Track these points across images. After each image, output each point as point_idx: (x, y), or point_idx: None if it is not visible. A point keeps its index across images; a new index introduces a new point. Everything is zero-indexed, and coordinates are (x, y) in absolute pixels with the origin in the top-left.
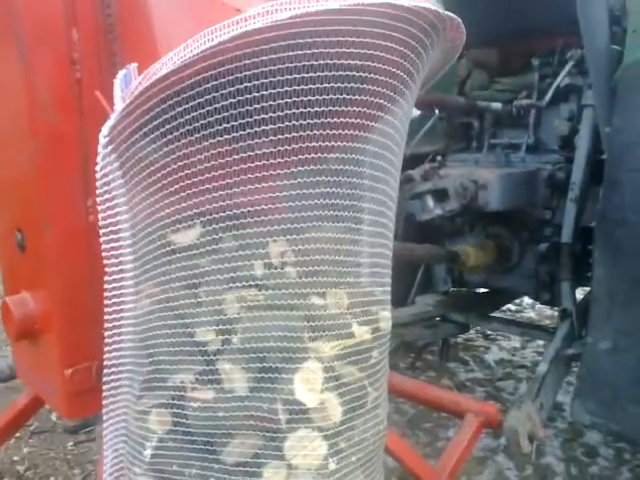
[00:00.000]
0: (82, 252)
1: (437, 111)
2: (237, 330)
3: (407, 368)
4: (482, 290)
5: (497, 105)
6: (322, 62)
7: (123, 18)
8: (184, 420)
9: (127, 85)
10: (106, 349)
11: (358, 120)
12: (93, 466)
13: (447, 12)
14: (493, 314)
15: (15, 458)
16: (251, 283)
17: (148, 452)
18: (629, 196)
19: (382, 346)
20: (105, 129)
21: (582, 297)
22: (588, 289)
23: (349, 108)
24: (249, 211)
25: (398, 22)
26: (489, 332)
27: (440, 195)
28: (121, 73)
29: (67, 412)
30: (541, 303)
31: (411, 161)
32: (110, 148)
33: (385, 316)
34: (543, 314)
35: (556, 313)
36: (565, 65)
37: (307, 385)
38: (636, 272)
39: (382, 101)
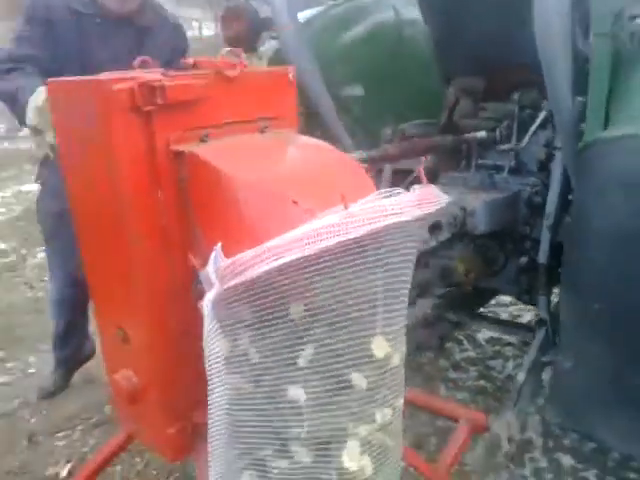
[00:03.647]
0: (186, 339)
1: (428, 157)
2: (304, 420)
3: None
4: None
5: (482, 134)
6: (372, 258)
7: (197, 189)
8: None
9: (216, 263)
10: (209, 427)
11: None
12: (151, 454)
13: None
14: (482, 312)
15: (84, 449)
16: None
17: None
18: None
19: (398, 413)
20: (208, 303)
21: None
22: None
23: None
24: None
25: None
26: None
27: (434, 227)
28: (212, 255)
29: (169, 457)
30: (522, 303)
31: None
32: (212, 314)
33: (400, 402)
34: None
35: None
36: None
37: (350, 456)
38: (593, 313)
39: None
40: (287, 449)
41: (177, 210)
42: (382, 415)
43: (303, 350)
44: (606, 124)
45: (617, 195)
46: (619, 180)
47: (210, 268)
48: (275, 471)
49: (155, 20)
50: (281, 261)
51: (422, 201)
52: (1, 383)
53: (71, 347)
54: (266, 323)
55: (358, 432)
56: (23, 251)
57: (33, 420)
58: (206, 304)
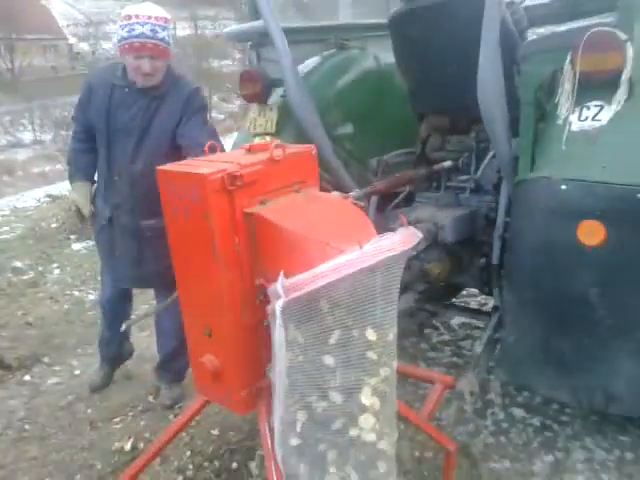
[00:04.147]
0: (252, 333)
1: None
2: (336, 376)
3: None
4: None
5: (448, 164)
6: (376, 277)
7: (262, 236)
8: (314, 415)
9: (282, 282)
10: (273, 384)
11: None
12: (195, 430)
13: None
14: (455, 302)
15: (138, 429)
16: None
17: (298, 429)
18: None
19: (394, 370)
20: (277, 308)
21: None
22: None
23: None
24: None
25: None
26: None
27: None
28: (280, 277)
29: (241, 412)
30: (484, 294)
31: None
32: (280, 315)
33: (395, 363)
34: None
35: None
36: None
37: (365, 397)
38: (526, 300)
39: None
40: (326, 394)
41: (248, 250)
42: (384, 371)
43: (334, 334)
44: (532, 167)
45: (537, 220)
46: (538, 210)
47: (278, 285)
48: (319, 409)
49: (172, 88)
50: (325, 281)
51: (406, 240)
52: (54, 383)
53: (114, 347)
54: (310, 318)
55: (370, 382)
56: (40, 268)
57: (89, 410)
58: (276, 309)
